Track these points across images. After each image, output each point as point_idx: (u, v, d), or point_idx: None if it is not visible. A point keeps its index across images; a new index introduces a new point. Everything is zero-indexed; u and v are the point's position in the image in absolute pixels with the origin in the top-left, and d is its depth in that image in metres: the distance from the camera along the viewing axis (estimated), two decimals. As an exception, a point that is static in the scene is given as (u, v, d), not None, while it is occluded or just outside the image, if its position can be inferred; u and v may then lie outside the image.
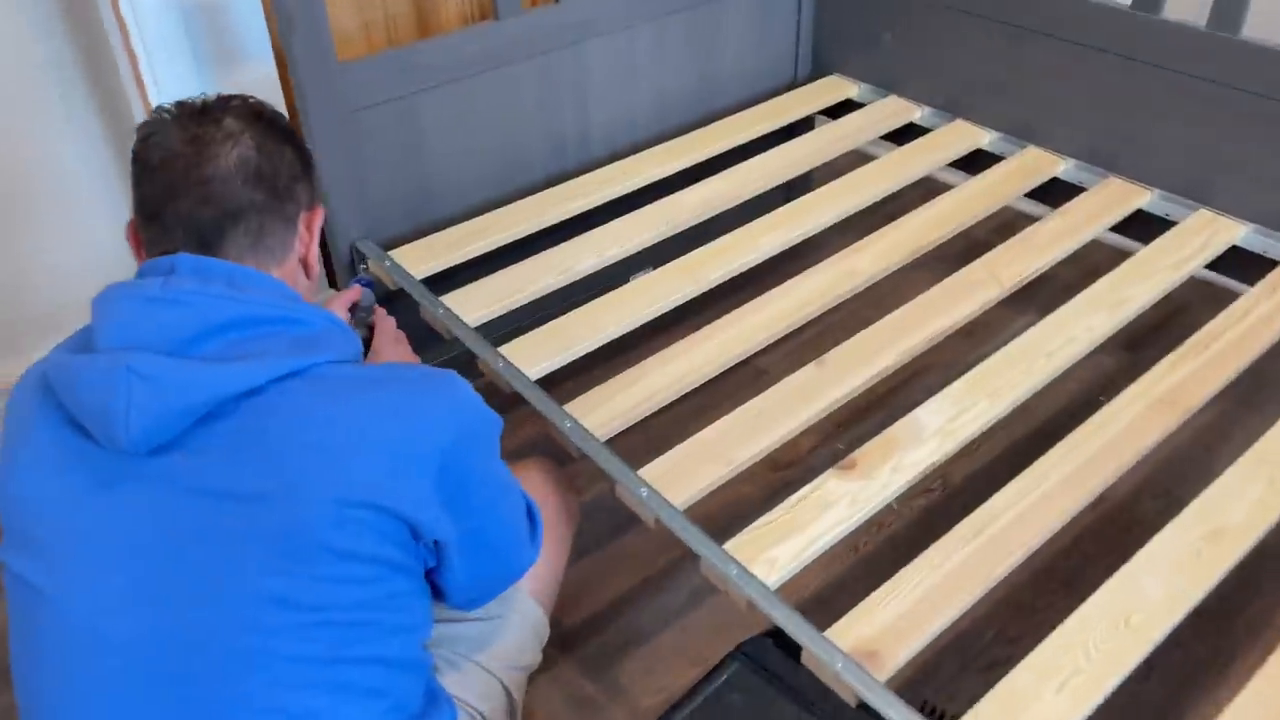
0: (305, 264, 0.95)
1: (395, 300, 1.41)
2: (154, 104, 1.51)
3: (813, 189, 1.64)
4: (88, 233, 1.70)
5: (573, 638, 1.37)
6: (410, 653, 0.88)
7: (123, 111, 1.57)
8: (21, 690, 0.83)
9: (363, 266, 1.46)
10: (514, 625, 1.10)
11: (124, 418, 0.76)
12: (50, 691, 0.81)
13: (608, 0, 1.60)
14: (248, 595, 0.78)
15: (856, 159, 1.79)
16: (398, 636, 0.86)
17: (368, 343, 1.26)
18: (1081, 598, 1.00)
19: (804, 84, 1.95)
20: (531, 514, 1.05)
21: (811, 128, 1.90)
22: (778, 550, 1.05)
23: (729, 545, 1.05)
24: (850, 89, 1.91)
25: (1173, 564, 1.02)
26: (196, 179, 0.86)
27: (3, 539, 0.84)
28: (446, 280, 1.43)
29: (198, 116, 0.89)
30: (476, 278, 1.43)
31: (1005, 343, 1.31)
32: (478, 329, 1.33)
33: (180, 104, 0.91)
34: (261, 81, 1.58)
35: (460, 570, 0.92)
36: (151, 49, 1.46)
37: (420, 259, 1.44)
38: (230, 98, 0.93)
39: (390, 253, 1.45)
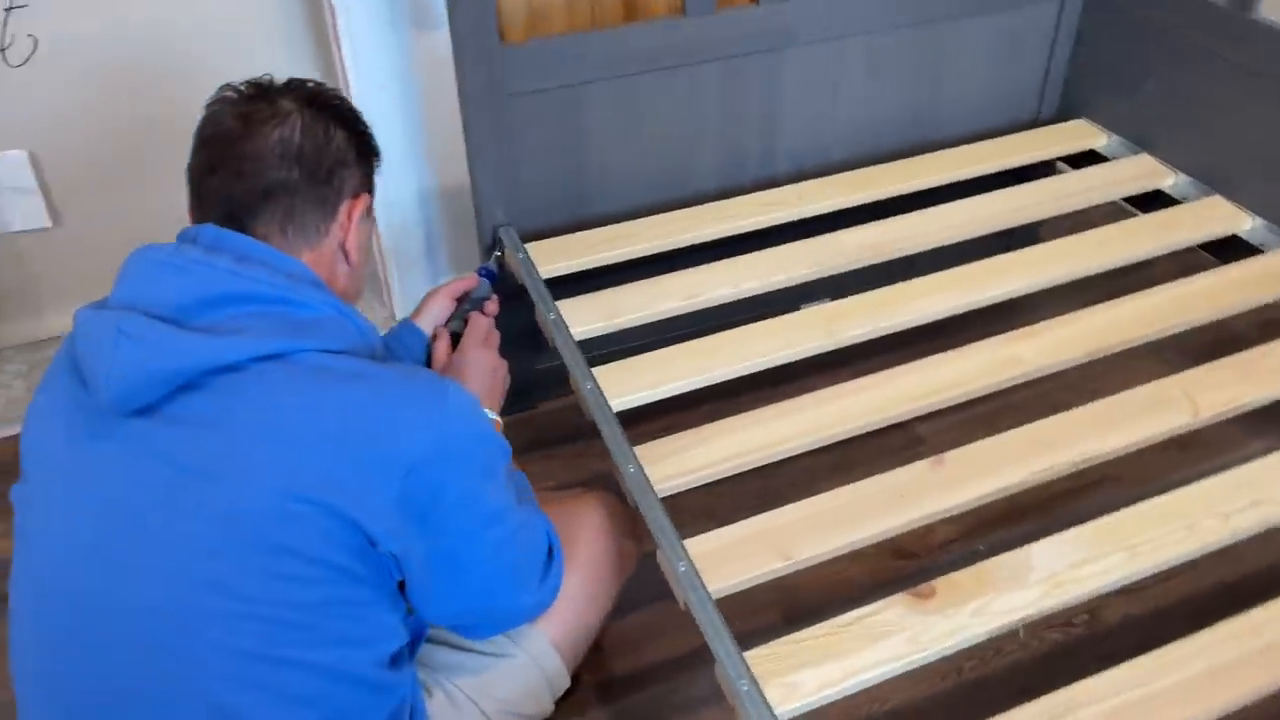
0: (345, 251, 0.94)
1: (522, 296, 1.36)
2: (349, 62, 1.54)
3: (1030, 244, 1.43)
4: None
5: (616, 688, 1.28)
6: (358, 668, 0.84)
7: (330, 66, 1.62)
8: (9, 628, 0.86)
9: (497, 255, 1.42)
10: (523, 669, 1.03)
11: (106, 376, 0.77)
12: (19, 633, 0.84)
13: (815, 7, 1.45)
14: (189, 574, 0.77)
15: (1086, 220, 1.55)
16: (341, 647, 0.82)
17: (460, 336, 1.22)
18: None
19: (1047, 124, 1.71)
20: (552, 555, 0.98)
21: (1050, 174, 1.67)
22: (805, 675, 0.91)
23: (753, 654, 0.93)
24: (1098, 138, 1.65)
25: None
26: (235, 154, 0.87)
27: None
28: (578, 283, 1.37)
29: (257, 96, 0.90)
30: (605, 286, 1.35)
31: (1223, 467, 1.08)
32: (582, 342, 1.25)
33: (250, 82, 0.91)
34: (455, 49, 1.58)
35: (428, 591, 0.87)
36: (350, 5, 1.48)
37: (554, 256, 1.38)
38: (300, 81, 0.93)
39: (528, 245, 1.40)
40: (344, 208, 0.93)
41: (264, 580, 0.77)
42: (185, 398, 0.79)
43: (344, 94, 0.99)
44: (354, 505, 0.78)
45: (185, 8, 1.58)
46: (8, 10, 1.48)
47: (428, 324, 1.24)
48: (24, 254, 1.70)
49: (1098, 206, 1.53)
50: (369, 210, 0.98)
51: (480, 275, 1.33)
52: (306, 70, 1.69)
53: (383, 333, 1.24)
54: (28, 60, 1.54)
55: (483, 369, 1.17)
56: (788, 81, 1.50)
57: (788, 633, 0.95)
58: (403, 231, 1.71)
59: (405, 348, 1.22)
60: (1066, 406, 1.18)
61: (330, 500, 0.77)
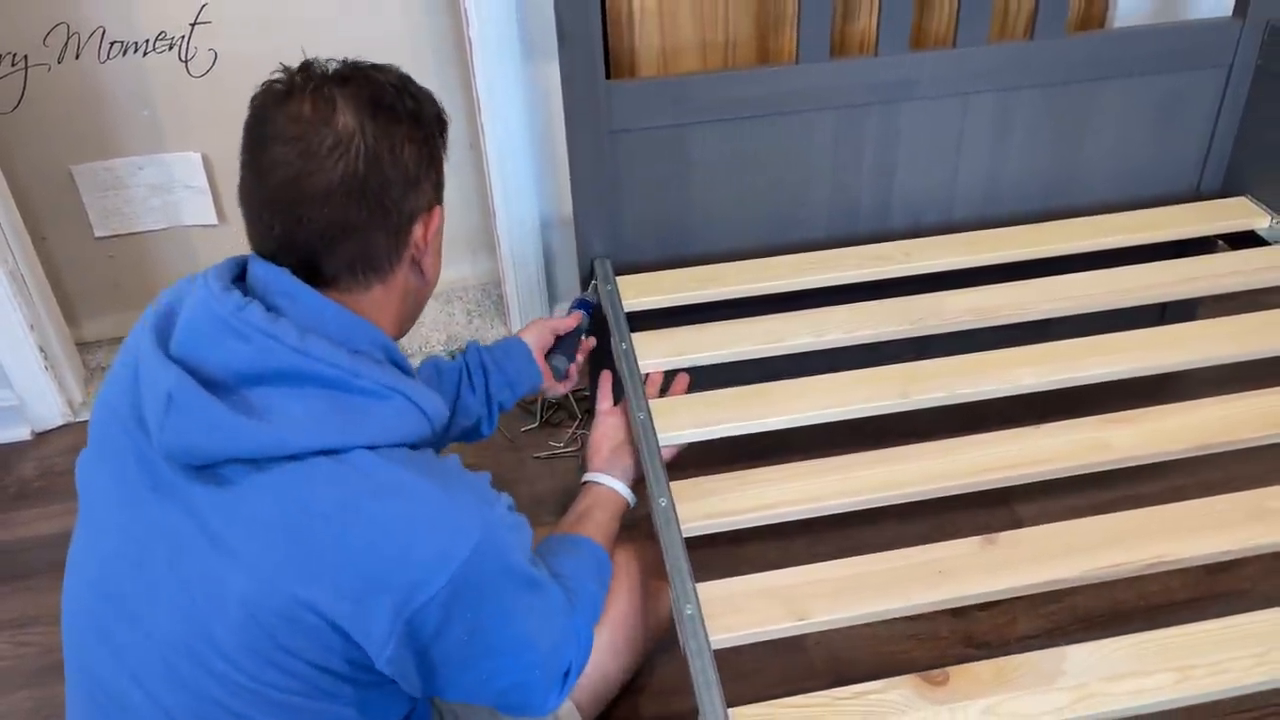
0: (420, 266, 0.89)
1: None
2: (482, 91, 1.61)
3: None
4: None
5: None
6: None
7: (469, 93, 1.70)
8: (63, 596, 0.90)
9: (593, 283, 1.44)
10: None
11: (156, 434, 0.79)
12: (70, 604, 0.89)
13: (940, 61, 1.40)
14: (204, 632, 0.78)
15: (1236, 305, 1.41)
16: None
17: (556, 370, 1.27)
18: None
19: (1206, 199, 1.57)
20: (568, 676, 0.92)
21: (1206, 252, 1.54)
22: (787, 742, 0.86)
23: (739, 712, 0.89)
24: (1260, 219, 1.50)
25: None
26: (294, 197, 0.81)
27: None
28: (669, 320, 1.36)
29: (311, 99, 0.82)
30: (688, 323, 1.35)
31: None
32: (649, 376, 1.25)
33: (302, 71, 0.84)
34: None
35: (416, 689, 0.85)
36: (485, 35, 1.55)
37: (642, 291, 1.39)
38: (354, 72, 0.85)
39: (619, 278, 1.41)
40: (417, 229, 0.87)
41: (266, 667, 0.78)
42: (238, 467, 0.78)
43: (399, 74, 0.89)
44: (358, 629, 0.77)
45: (348, 32, 1.70)
46: (192, 25, 1.65)
47: (529, 341, 1.27)
48: (193, 246, 1.88)
49: (1239, 292, 1.39)
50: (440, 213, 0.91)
51: (578, 308, 1.36)
52: (452, 95, 1.79)
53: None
54: (208, 72, 1.70)
55: (611, 438, 1.20)
56: (906, 135, 1.45)
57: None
58: (523, 256, 1.77)
59: (507, 355, 1.25)
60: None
61: (337, 620, 0.77)
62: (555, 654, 0.89)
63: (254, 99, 0.84)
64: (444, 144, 0.92)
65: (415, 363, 1.10)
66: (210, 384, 0.78)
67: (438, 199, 0.90)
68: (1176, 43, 1.46)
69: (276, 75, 0.85)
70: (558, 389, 1.30)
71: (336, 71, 0.85)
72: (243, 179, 0.84)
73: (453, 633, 0.80)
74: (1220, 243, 1.57)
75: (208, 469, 0.79)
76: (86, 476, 0.89)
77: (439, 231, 0.91)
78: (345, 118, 0.82)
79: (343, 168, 0.81)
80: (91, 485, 0.88)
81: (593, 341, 1.37)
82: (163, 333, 0.83)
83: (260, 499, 0.77)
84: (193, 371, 0.78)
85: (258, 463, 0.77)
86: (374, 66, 0.88)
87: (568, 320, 1.33)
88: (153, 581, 0.80)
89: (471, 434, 1.23)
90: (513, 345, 1.26)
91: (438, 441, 0.88)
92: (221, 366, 0.79)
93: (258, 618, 0.77)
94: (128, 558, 0.82)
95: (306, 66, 0.85)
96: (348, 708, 0.83)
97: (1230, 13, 1.47)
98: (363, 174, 0.81)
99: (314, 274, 0.83)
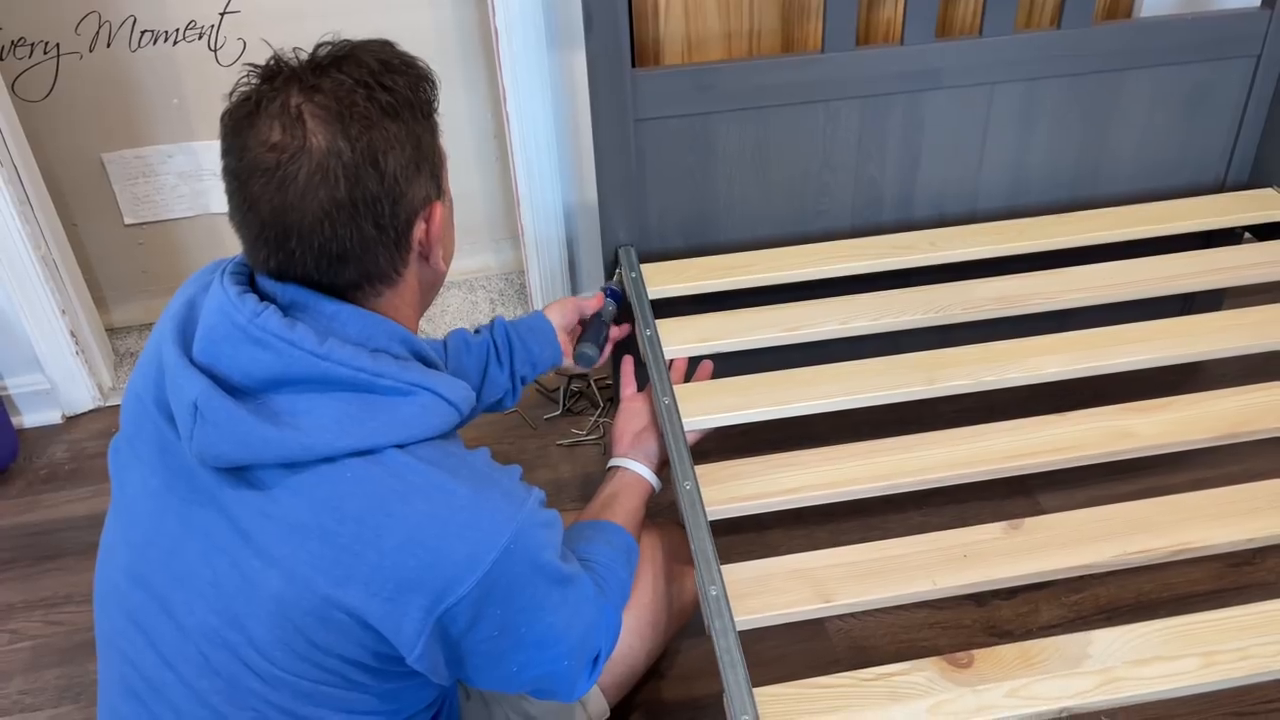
0: (428, 259, 0.86)
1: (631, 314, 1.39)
2: (508, 80, 1.62)
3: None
4: (462, 183, 1.90)
5: (663, 717, 1.27)
6: None
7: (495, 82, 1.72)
8: (96, 579, 0.92)
9: (619, 271, 1.45)
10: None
11: (188, 440, 0.78)
12: (103, 589, 0.90)
13: (965, 50, 1.40)
14: (239, 626, 0.80)
15: (1254, 296, 1.41)
16: (365, 716, 0.84)
17: (587, 358, 1.27)
18: None
19: (1232, 190, 1.57)
20: (596, 663, 0.93)
21: (1232, 243, 1.53)
22: (812, 721, 0.87)
23: (763, 691, 0.90)
24: (1287, 211, 1.49)
25: None
26: (282, 232, 0.77)
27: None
28: (692, 307, 1.38)
29: (279, 120, 0.76)
30: (711, 310, 1.35)
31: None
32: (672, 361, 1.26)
33: (267, 78, 0.79)
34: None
35: (444, 678, 0.86)
36: (511, 25, 1.56)
37: (667, 278, 1.40)
38: (320, 73, 0.78)
39: (644, 266, 1.42)
40: (418, 230, 0.83)
41: (297, 660, 0.79)
42: (269, 468, 0.78)
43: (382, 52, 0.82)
44: (389, 628, 0.78)
45: (375, 22, 1.72)
46: (222, 15, 1.66)
47: (553, 320, 1.29)
48: (220, 234, 1.90)
49: (1275, 283, 1.39)
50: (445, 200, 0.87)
51: (606, 295, 1.37)
52: (477, 84, 1.80)
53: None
54: (236, 60, 1.72)
55: (635, 423, 1.20)
56: (931, 125, 1.45)
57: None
58: (547, 244, 1.78)
59: (532, 333, 1.26)
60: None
61: (368, 619, 0.77)
62: (585, 643, 0.90)
63: (223, 116, 0.80)
64: (435, 113, 0.85)
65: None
66: (234, 390, 0.78)
67: (436, 192, 0.84)
68: (1204, 33, 1.45)
69: (242, 81, 0.80)
70: (580, 368, 1.32)
71: (303, 70, 0.79)
72: (230, 210, 0.81)
73: (483, 630, 0.81)
74: (1246, 234, 1.57)
75: (239, 470, 0.79)
76: (119, 462, 0.90)
77: (445, 221, 0.87)
78: (317, 139, 0.76)
79: (324, 195, 0.76)
80: (124, 471, 0.89)
81: (627, 328, 1.38)
82: (184, 333, 0.83)
83: (293, 502, 0.77)
84: (216, 378, 0.78)
85: (291, 466, 0.77)
86: (343, 56, 0.80)
87: (593, 301, 1.34)
88: (186, 573, 0.82)
89: (495, 406, 1.26)
90: (537, 322, 1.27)
91: (466, 420, 0.89)
92: (243, 374, 0.78)
93: (290, 616, 0.78)
94: (160, 548, 0.83)
95: (272, 72, 0.79)
96: (377, 697, 0.84)
97: (1259, 3, 1.46)
98: (346, 198, 0.77)
99: (320, 289, 0.81)
